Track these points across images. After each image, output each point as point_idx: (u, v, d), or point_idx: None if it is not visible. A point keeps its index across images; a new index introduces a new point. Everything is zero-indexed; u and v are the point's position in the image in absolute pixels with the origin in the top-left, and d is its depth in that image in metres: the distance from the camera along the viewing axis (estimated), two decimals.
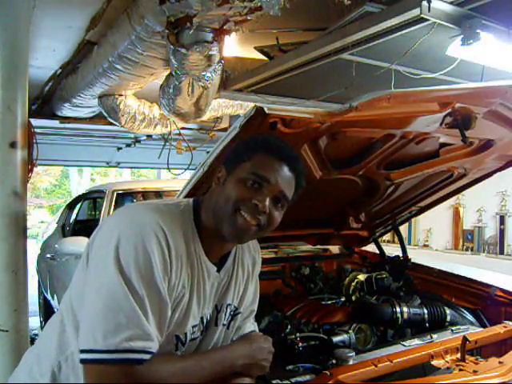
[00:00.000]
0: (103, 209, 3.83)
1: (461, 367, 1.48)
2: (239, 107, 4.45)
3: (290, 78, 3.44)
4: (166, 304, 1.00)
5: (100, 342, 0.92)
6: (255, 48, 3.45)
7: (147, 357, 0.95)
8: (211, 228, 1.12)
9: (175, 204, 1.16)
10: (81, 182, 16.08)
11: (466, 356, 1.55)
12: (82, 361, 0.95)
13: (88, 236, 1.17)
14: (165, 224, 1.03)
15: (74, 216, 5.01)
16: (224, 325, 1.23)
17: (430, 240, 6.80)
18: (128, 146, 7.06)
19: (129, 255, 0.97)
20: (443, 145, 1.97)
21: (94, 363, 0.94)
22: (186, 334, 1.11)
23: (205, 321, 1.17)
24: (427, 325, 1.94)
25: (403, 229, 5.93)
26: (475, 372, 1.42)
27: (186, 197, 1.48)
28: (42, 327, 4.92)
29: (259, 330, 1.41)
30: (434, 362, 1.55)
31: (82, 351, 0.95)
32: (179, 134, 4.92)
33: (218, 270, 1.19)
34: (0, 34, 2.22)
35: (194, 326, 1.13)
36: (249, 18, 2.14)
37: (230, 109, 4.45)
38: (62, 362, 1.08)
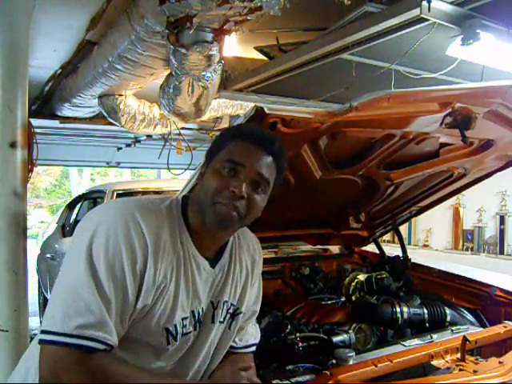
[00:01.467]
0: None
1: (461, 367, 1.48)
2: (239, 107, 4.45)
3: (290, 78, 3.44)
4: (128, 297, 1.00)
5: (58, 324, 0.95)
6: (255, 48, 3.45)
7: (100, 347, 0.95)
8: (198, 222, 1.13)
9: (161, 199, 1.17)
10: (81, 181, 16.09)
11: (466, 356, 1.55)
12: (40, 341, 0.96)
13: None
14: (143, 217, 1.04)
15: (73, 216, 5.01)
16: (221, 322, 1.23)
17: (430, 240, 6.80)
18: (128, 145, 7.06)
19: (100, 246, 1.00)
20: (443, 145, 1.97)
21: (48, 344, 0.95)
22: (175, 326, 1.11)
23: (197, 315, 1.16)
24: (427, 325, 1.94)
25: (403, 229, 5.94)
26: (475, 372, 1.43)
27: None
28: None
29: (259, 330, 1.41)
30: (434, 362, 1.56)
31: (42, 332, 0.97)
32: (179, 134, 4.92)
33: (213, 266, 1.19)
34: (0, 34, 2.22)
35: (184, 319, 1.13)
36: (249, 18, 2.14)
37: (230, 109, 4.45)
38: None
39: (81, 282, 0.97)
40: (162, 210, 1.11)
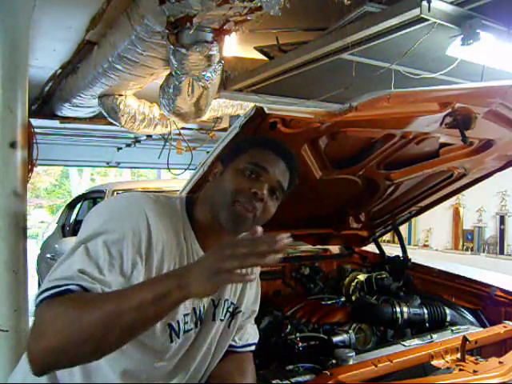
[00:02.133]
0: None
1: (461, 367, 1.48)
2: (239, 107, 4.45)
3: (289, 78, 3.44)
4: (123, 274, 0.97)
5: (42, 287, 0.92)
6: (255, 48, 3.45)
7: (76, 288, 0.88)
8: (207, 221, 1.15)
9: (166, 196, 1.19)
10: (81, 181, 16.08)
11: (466, 356, 1.55)
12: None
13: None
14: (150, 210, 1.05)
15: (73, 216, 5.02)
16: (221, 320, 1.23)
17: (429, 240, 6.80)
18: (128, 145, 7.06)
19: (103, 230, 0.99)
20: (443, 145, 1.97)
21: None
22: (178, 322, 1.11)
23: (198, 312, 1.17)
24: (427, 325, 1.94)
25: (403, 229, 5.94)
26: (475, 372, 1.42)
27: None
28: None
29: (259, 330, 1.42)
30: (434, 362, 1.56)
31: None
32: (179, 134, 4.92)
33: None
34: (0, 34, 2.22)
35: (185, 315, 1.13)
36: (249, 18, 2.14)
37: (230, 109, 4.45)
38: None
39: (73, 252, 0.96)
40: (167, 206, 1.13)
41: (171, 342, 1.11)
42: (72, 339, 0.83)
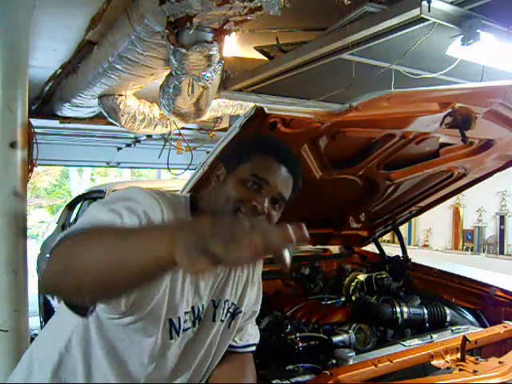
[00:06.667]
0: None
1: (461, 367, 1.48)
2: (239, 107, 4.45)
3: (289, 78, 3.44)
4: None
5: None
6: (255, 48, 3.45)
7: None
8: None
9: (172, 193, 1.20)
10: (81, 181, 16.08)
11: (466, 356, 1.55)
12: None
13: None
14: (164, 203, 1.06)
15: (73, 216, 5.02)
16: (222, 321, 1.23)
17: (429, 240, 6.80)
18: (128, 146, 7.06)
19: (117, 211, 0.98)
20: (443, 145, 1.97)
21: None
22: (179, 318, 1.12)
23: (196, 311, 1.17)
24: (427, 325, 1.94)
25: (403, 229, 5.93)
26: (475, 372, 1.43)
27: None
28: (41, 327, 4.92)
29: (259, 330, 1.42)
30: (434, 362, 1.56)
31: None
32: (179, 134, 4.92)
33: None
34: (0, 34, 2.22)
35: (186, 313, 1.14)
36: (249, 18, 2.14)
37: (230, 109, 4.45)
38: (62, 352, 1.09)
39: (91, 212, 1.01)
40: (173, 203, 1.13)
41: (170, 338, 1.11)
42: (71, 272, 0.84)
